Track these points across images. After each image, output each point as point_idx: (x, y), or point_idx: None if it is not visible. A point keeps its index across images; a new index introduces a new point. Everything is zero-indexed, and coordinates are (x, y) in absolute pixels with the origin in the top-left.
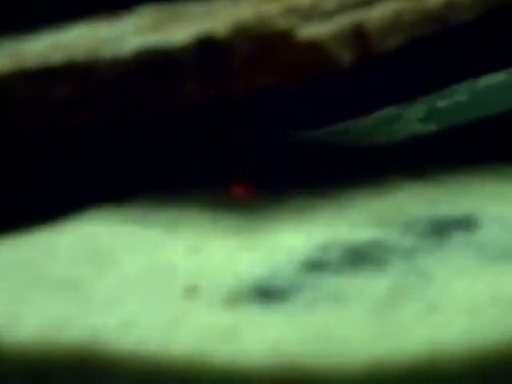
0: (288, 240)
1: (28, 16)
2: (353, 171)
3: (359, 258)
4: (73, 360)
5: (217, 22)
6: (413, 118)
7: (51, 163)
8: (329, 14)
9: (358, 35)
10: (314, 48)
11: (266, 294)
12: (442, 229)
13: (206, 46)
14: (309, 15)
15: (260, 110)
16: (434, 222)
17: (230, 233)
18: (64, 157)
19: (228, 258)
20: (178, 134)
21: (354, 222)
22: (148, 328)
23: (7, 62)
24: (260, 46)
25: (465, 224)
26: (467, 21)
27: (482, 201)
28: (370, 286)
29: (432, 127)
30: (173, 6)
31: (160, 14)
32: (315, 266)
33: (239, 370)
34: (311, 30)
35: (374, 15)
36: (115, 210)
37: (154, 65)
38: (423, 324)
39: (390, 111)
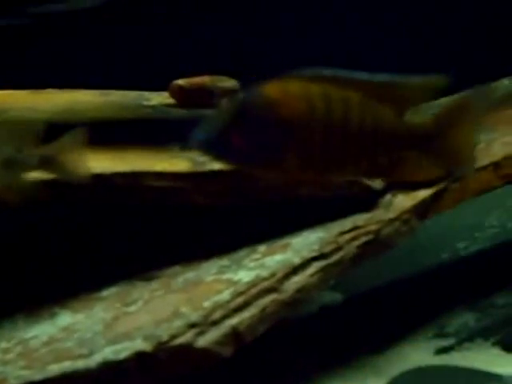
0: None
1: None
2: None
3: None
4: None
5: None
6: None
7: None
8: (215, 323)
9: (235, 335)
10: (207, 351)
11: None
12: None
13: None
14: (202, 328)
15: None
16: None
17: None
18: None
19: None
20: None
21: None
22: None
23: None
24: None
25: None
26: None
27: None
28: None
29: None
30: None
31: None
32: None
33: None
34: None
35: (246, 316)
36: None
37: None
38: None
39: None
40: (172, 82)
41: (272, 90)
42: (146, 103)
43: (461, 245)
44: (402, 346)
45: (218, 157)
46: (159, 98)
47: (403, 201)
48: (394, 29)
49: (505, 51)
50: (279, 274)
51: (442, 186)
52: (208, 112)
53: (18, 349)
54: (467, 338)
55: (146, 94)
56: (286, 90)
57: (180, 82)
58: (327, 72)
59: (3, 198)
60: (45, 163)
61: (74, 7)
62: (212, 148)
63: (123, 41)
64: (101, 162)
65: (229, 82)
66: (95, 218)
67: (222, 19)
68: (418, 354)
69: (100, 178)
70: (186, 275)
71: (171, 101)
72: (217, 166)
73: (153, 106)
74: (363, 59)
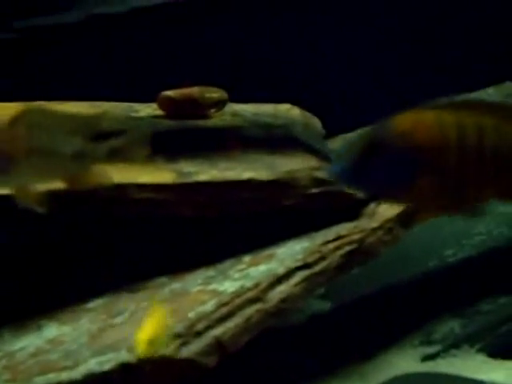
0: None
1: None
2: None
3: None
4: None
5: None
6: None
7: None
8: (199, 333)
9: (218, 345)
10: (191, 362)
11: None
12: None
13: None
14: (186, 338)
15: None
16: None
17: None
18: None
19: None
20: None
21: None
22: None
23: None
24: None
25: None
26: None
27: None
28: None
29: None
30: None
31: None
32: None
33: None
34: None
35: (230, 326)
36: None
37: None
38: None
39: None
40: (160, 93)
41: (404, 120)
42: (134, 115)
43: (448, 252)
44: (389, 353)
45: (356, 188)
46: (148, 110)
47: (386, 210)
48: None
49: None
50: (263, 284)
51: None
52: (200, 123)
53: (3, 362)
54: (453, 345)
55: (136, 105)
56: (417, 120)
57: (169, 93)
58: (459, 100)
59: (71, 188)
60: (114, 155)
61: (60, 21)
62: (349, 179)
63: (109, 54)
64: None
65: (217, 93)
66: (80, 230)
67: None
68: (405, 361)
69: (86, 191)
70: (172, 286)
71: (160, 112)
72: (202, 176)
73: (140, 118)
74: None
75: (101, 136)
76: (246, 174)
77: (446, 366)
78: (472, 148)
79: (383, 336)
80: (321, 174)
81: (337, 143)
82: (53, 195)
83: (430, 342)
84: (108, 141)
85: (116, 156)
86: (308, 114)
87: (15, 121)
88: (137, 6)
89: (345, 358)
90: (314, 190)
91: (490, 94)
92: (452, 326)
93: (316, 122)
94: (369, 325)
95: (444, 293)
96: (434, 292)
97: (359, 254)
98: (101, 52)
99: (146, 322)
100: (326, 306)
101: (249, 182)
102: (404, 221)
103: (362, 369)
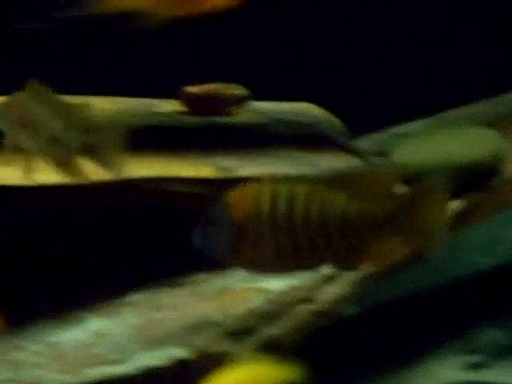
0: None
1: None
2: None
3: None
4: None
5: None
6: None
7: None
8: (250, 331)
9: (271, 344)
10: None
11: None
12: None
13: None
14: (238, 335)
15: None
16: None
17: None
18: None
19: None
20: None
21: None
22: None
23: None
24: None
25: None
26: None
27: None
28: None
29: None
30: None
31: None
32: None
33: None
34: (242, 348)
35: (281, 325)
36: None
37: None
38: None
39: None
40: (181, 88)
41: (232, 195)
42: (156, 110)
43: (479, 259)
44: (428, 360)
45: (206, 253)
46: (169, 105)
47: None
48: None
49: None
50: (312, 285)
51: (475, 198)
52: (225, 120)
53: (50, 352)
54: (496, 354)
55: (155, 101)
56: (240, 195)
57: (191, 89)
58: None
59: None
60: (86, 149)
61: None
62: (199, 245)
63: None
64: (126, 167)
65: (239, 90)
66: (120, 222)
67: None
68: (446, 370)
69: (128, 183)
70: (212, 282)
71: (180, 108)
72: (243, 172)
73: (165, 113)
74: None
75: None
76: (285, 170)
77: (489, 375)
78: (291, 218)
79: (420, 343)
80: None
81: (362, 143)
82: (92, 186)
83: (472, 351)
84: (86, 135)
85: (89, 151)
86: (328, 113)
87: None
88: None
89: (380, 365)
90: None
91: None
92: (494, 334)
93: (337, 121)
94: (403, 331)
95: (480, 300)
96: (470, 299)
97: (408, 258)
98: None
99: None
100: (352, 309)
101: None
102: (453, 224)
103: (398, 377)
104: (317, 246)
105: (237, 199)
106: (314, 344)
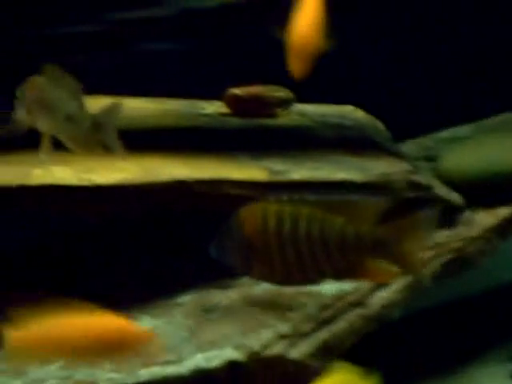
0: None
1: None
2: None
3: None
4: None
5: None
6: None
7: None
8: (306, 334)
9: (325, 348)
10: (298, 363)
11: None
12: None
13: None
14: (293, 339)
15: None
16: None
17: None
18: None
19: None
20: None
21: None
22: None
23: None
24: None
25: None
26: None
27: None
28: None
29: None
30: None
31: None
32: None
33: None
34: (297, 352)
35: (335, 329)
36: None
37: None
38: None
39: None
40: (227, 90)
41: (244, 211)
42: (201, 112)
43: None
44: (472, 368)
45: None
46: (213, 107)
47: (483, 218)
48: None
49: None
50: (364, 289)
51: None
52: (270, 122)
53: None
54: None
55: (199, 102)
56: (251, 212)
57: (236, 90)
58: (288, 196)
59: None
60: (97, 126)
61: (151, 15)
62: (217, 256)
63: (198, 50)
64: (179, 169)
65: (284, 93)
66: (171, 223)
67: None
68: (491, 377)
69: (182, 185)
70: (263, 285)
71: (225, 110)
72: (294, 175)
73: (209, 115)
74: None
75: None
76: (338, 175)
77: None
78: (295, 235)
79: (464, 350)
80: (417, 178)
81: (407, 147)
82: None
83: None
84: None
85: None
86: (372, 117)
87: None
88: (226, 2)
89: (424, 371)
90: (410, 194)
91: None
92: None
93: (380, 125)
94: (448, 337)
95: None
96: None
97: (458, 264)
98: (189, 46)
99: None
100: (398, 314)
101: (342, 183)
102: (502, 231)
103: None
104: (318, 261)
105: (247, 216)
106: (357, 349)
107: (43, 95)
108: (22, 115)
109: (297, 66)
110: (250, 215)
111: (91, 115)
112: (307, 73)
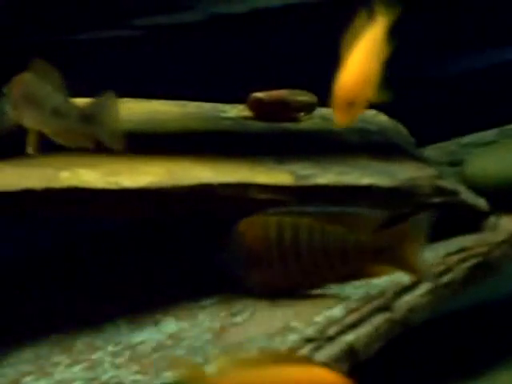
0: None
1: None
2: None
3: None
4: None
5: None
6: None
7: None
8: (331, 338)
9: (351, 352)
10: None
11: None
12: None
13: None
14: (318, 343)
15: None
16: None
17: None
18: None
19: None
20: None
21: None
22: None
23: None
24: None
25: None
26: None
27: None
28: None
29: None
30: None
31: None
32: None
33: None
34: (322, 355)
35: (361, 333)
36: None
37: None
38: None
39: None
40: (250, 94)
41: (244, 223)
42: (223, 115)
43: None
44: (498, 372)
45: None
46: (235, 110)
47: (509, 223)
48: None
49: None
50: (389, 293)
51: None
52: (293, 126)
53: (127, 354)
54: None
55: (220, 105)
56: (251, 223)
57: (259, 94)
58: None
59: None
60: (84, 119)
61: (180, 21)
62: (221, 267)
63: (225, 55)
64: (204, 172)
65: (307, 97)
66: (194, 227)
67: None
68: None
69: (207, 188)
70: None
71: (247, 113)
72: (320, 180)
73: (232, 119)
74: None
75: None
76: (365, 180)
77: None
78: (296, 245)
79: (490, 354)
80: (442, 183)
81: (431, 152)
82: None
83: None
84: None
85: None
86: (394, 121)
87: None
88: (257, 6)
89: (450, 375)
90: (436, 200)
91: None
92: None
93: (403, 130)
94: (474, 341)
95: None
96: None
97: (484, 268)
98: (220, 52)
99: None
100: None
101: (369, 188)
102: None
103: None
104: (320, 269)
105: (248, 228)
106: (384, 353)
107: (29, 90)
108: (8, 112)
109: (338, 115)
110: (251, 227)
111: (78, 108)
112: (349, 122)
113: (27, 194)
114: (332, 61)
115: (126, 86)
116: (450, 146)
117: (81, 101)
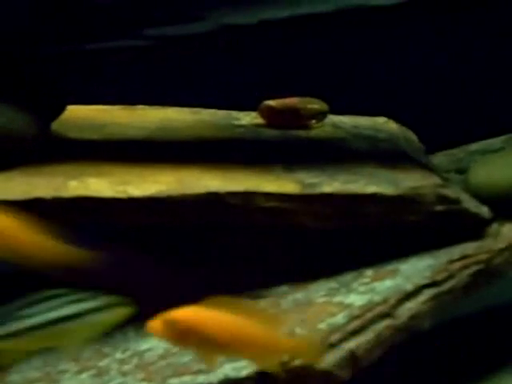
0: None
1: None
2: None
3: None
4: None
5: None
6: None
7: None
8: (333, 345)
9: (353, 359)
10: (327, 374)
11: None
12: None
13: None
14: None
15: None
16: None
17: None
18: None
19: None
20: None
21: None
22: None
23: None
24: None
25: None
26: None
27: None
28: None
29: None
30: None
31: None
32: None
33: None
34: (326, 361)
35: (363, 340)
36: None
37: None
38: None
39: None
40: (262, 102)
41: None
42: (236, 123)
43: None
44: (502, 379)
45: None
46: (248, 118)
47: (511, 231)
48: None
49: None
50: (392, 300)
51: None
52: (304, 134)
53: (134, 361)
54: None
55: (234, 113)
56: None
57: (270, 102)
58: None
59: None
60: None
61: (190, 31)
62: None
63: (235, 65)
64: (214, 181)
65: (318, 104)
66: (202, 235)
67: None
68: None
69: (215, 197)
70: (294, 295)
71: (260, 121)
72: (327, 188)
73: (245, 126)
74: None
75: None
76: (370, 188)
77: None
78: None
79: (495, 360)
80: (445, 192)
81: (439, 159)
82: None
83: None
84: None
85: None
86: (404, 128)
87: None
88: (266, 18)
89: (451, 380)
90: (439, 208)
91: None
92: None
93: (413, 137)
94: (478, 347)
95: None
96: None
97: (486, 275)
98: (229, 63)
99: None
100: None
101: (373, 196)
102: None
103: None
104: None
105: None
106: (389, 358)
107: None
108: None
109: None
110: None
111: None
112: None
113: (36, 203)
114: (342, 69)
115: (138, 94)
116: (459, 153)
117: (93, 108)
